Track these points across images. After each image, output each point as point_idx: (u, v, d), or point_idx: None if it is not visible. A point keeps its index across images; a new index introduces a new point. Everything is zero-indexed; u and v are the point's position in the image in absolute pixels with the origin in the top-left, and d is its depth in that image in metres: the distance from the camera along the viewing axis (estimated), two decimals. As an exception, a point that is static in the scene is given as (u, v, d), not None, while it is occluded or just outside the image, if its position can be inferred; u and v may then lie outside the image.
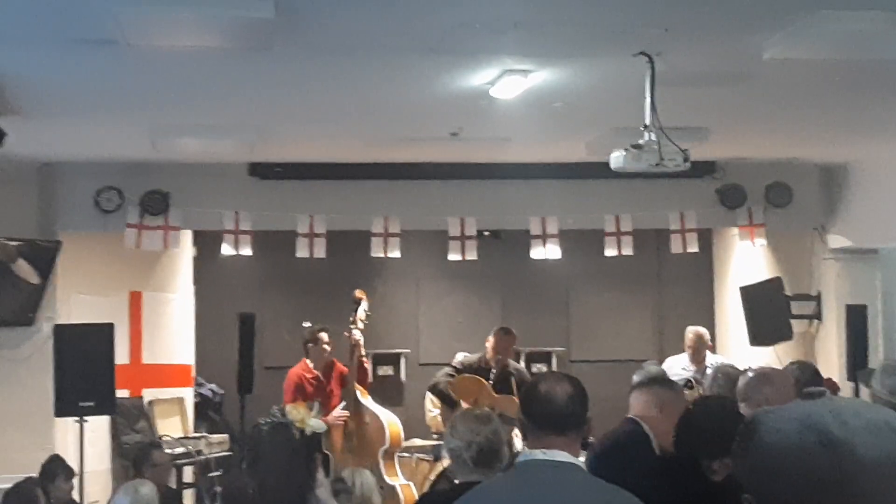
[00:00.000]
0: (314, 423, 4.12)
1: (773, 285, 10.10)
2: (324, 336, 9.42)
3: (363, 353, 9.42)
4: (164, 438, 9.55)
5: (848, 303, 9.67)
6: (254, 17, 5.01)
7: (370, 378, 9.79)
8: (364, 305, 9.45)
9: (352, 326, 9.33)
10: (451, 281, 11.91)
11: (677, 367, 9.50)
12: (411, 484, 9.24)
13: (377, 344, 11.80)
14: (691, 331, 9.94)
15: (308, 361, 9.38)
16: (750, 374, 4.99)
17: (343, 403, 9.28)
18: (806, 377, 5.90)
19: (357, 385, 9.30)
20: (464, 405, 9.09)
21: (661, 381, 4.39)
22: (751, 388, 4.72)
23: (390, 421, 9.29)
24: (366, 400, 9.36)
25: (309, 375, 9.36)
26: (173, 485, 9.30)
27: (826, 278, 10.54)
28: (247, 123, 8.05)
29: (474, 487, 3.66)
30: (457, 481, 4.51)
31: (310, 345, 9.40)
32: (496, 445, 4.43)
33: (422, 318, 12.14)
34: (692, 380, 8.71)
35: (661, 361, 9.99)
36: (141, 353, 10.29)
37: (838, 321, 10.00)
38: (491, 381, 9.20)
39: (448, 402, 9.10)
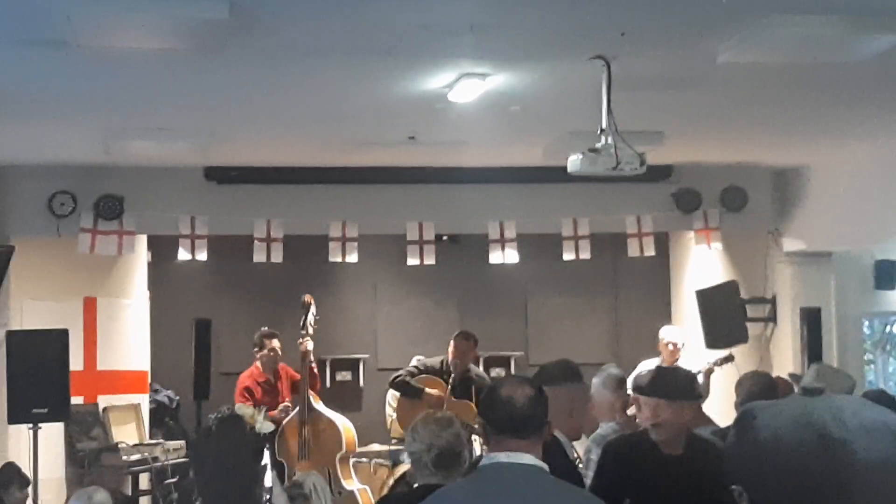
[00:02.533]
0: (262, 424, 4.09)
1: (728, 288, 10.16)
2: (273, 342, 9.44)
3: (312, 359, 9.42)
4: (120, 445, 9.46)
5: (802, 305, 9.75)
6: (207, 18, 4.96)
7: (319, 384, 9.77)
8: (313, 310, 9.46)
9: (303, 333, 9.34)
10: (409, 286, 11.89)
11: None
12: (367, 488, 9.24)
13: (335, 349, 11.77)
14: (664, 335, 9.89)
15: (258, 366, 9.42)
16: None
17: (296, 409, 9.30)
18: (756, 390, 5.87)
19: (310, 391, 9.31)
20: (428, 391, 9.11)
21: (564, 377, 4.33)
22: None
23: (345, 426, 9.31)
24: (319, 405, 9.36)
25: (259, 380, 9.39)
26: (129, 491, 9.24)
27: (781, 281, 10.62)
28: (201, 126, 7.99)
29: (437, 490, 3.65)
30: (416, 485, 4.50)
31: (259, 350, 9.43)
32: (457, 449, 4.42)
33: (380, 322, 12.11)
34: None
35: (618, 364, 9.98)
36: (95, 360, 10.17)
37: (793, 324, 10.09)
38: (451, 386, 9.20)
39: (409, 394, 9.08)
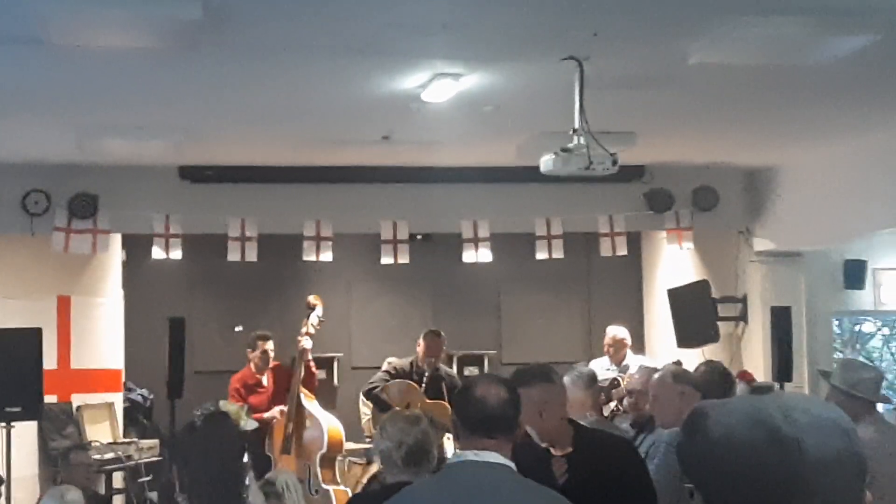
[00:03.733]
0: (246, 421, 4.11)
1: (699, 288, 10.23)
2: (267, 344, 9.55)
3: (310, 358, 9.47)
4: (94, 444, 9.45)
5: (773, 305, 9.82)
6: (181, 17, 4.98)
7: (317, 383, 9.81)
8: (318, 311, 9.52)
9: (303, 331, 9.42)
10: (382, 284, 11.90)
11: (601, 368, 9.57)
12: (349, 490, 9.24)
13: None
14: (609, 333, 10.04)
15: (251, 367, 9.53)
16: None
17: (280, 407, 9.36)
18: (713, 378, 5.97)
19: (303, 388, 9.37)
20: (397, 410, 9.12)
21: (543, 375, 4.34)
22: None
23: (331, 426, 9.34)
24: (310, 404, 9.41)
25: (251, 381, 9.49)
26: (102, 490, 9.23)
27: (752, 281, 10.70)
28: (175, 125, 7.99)
29: (405, 487, 3.68)
30: (387, 482, 4.53)
31: (252, 351, 9.55)
32: (426, 446, 4.46)
33: (354, 321, 12.11)
34: (617, 378, 8.85)
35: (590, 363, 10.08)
36: (69, 358, 10.14)
37: (763, 323, 10.16)
38: (423, 386, 9.23)
39: (381, 407, 9.12)
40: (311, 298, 9.65)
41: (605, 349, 9.98)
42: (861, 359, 9.72)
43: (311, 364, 9.54)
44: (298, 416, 9.29)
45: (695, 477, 1.61)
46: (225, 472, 3.78)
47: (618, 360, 9.76)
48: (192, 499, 3.87)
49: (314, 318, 9.51)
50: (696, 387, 5.38)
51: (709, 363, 6.76)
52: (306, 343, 9.41)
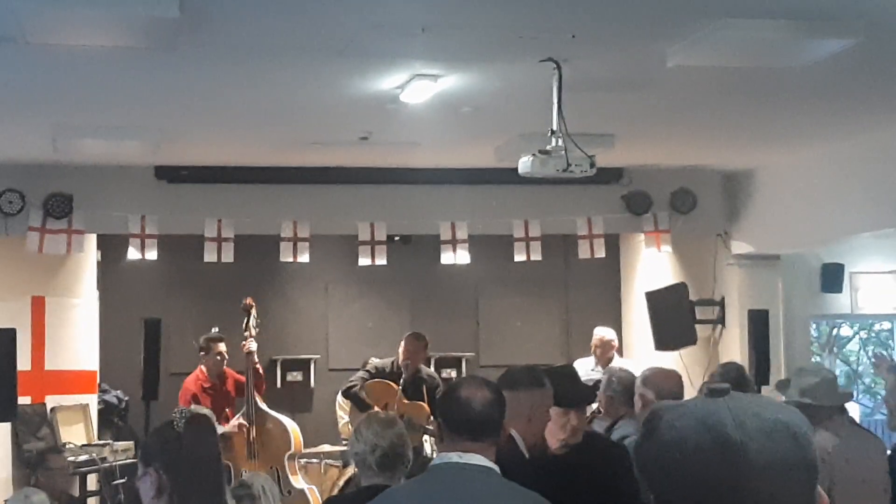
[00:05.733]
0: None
1: (677, 290, 10.24)
2: (220, 346, 9.44)
3: (257, 360, 9.43)
4: (68, 446, 9.38)
5: (750, 308, 9.85)
6: (158, 16, 4.93)
7: (265, 386, 9.77)
8: (254, 312, 9.52)
9: (246, 335, 9.38)
10: (360, 286, 11.87)
11: (585, 368, 9.58)
12: (315, 488, 9.27)
13: (286, 349, 11.74)
14: (597, 334, 10.07)
15: (202, 370, 9.41)
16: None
17: (241, 412, 9.31)
18: (729, 379, 5.97)
19: (255, 393, 9.32)
20: (376, 410, 9.12)
21: (531, 379, 4.32)
22: None
23: (292, 426, 9.33)
24: (264, 406, 9.37)
25: (205, 385, 9.39)
26: (76, 493, 9.16)
27: (729, 284, 10.72)
28: (151, 125, 7.94)
29: (386, 490, 3.66)
30: (362, 485, 4.51)
31: (203, 353, 9.43)
32: (400, 449, 4.45)
33: (331, 323, 12.08)
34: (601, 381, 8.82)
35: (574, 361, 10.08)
36: (44, 359, 10.07)
37: (741, 326, 10.18)
38: (401, 387, 9.22)
39: (360, 406, 9.10)
40: (247, 300, 9.62)
41: (593, 349, 9.99)
42: (816, 360, 9.75)
43: (259, 367, 9.50)
44: (259, 420, 9.25)
45: (647, 478, 1.61)
46: (210, 475, 3.75)
47: (604, 362, 9.75)
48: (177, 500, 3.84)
49: (252, 320, 9.48)
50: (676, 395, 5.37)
51: (724, 366, 6.78)
52: (253, 346, 9.38)
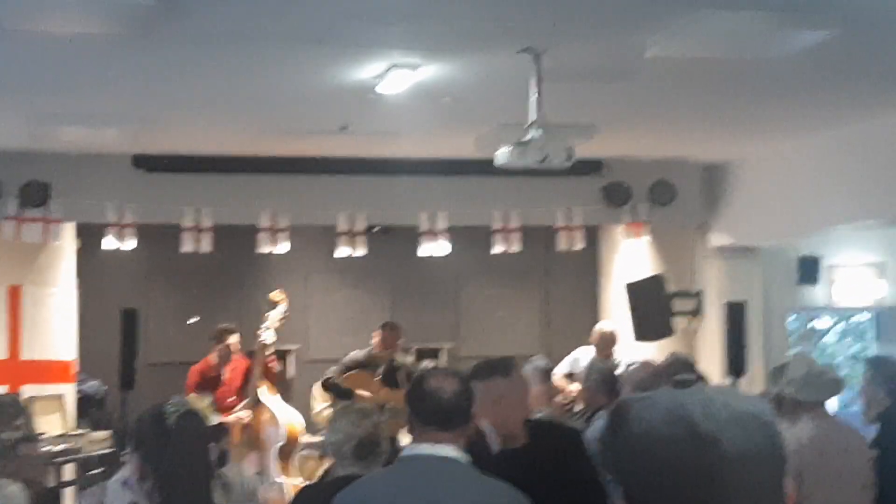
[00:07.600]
0: (210, 417, 4.08)
1: (656, 282, 10.27)
2: (232, 338, 9.44)
3: (269, 353, 9.42)
4: (44, 436, 9.32)
5: (728, 300, 9.87)
6: (134, 2, 4.91)
7: (276, 379, 9.73)
8: (281, 308, 9.46)
9: (265, 326, 9.37)
10: (340, 277, 11.85)
11: (587, 358, 9.48)
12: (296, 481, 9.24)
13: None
14: (596, 328, 10.00)
15: (211, 358, 9.42)
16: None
17: (245, 401, 9.30)
18: (676, 368, 5.99)
19: (264, 382, 9.31)
20: (360, 393, 9.13)
21: (501, 370, 4.31)
22: None
23: (290, 420, 9.30)
24: (270, 397, 9.36)
25: (211, 374, 9.39)
26: (52, 483, 9.11)
27: (708, 276, 10.75)
28: (129, 112, 7.90)
29: (358, 479, 3.66)
30: (338, 474, 4.51)
31: (217, 343, 9.46)
32: (376, 439, 4.45)
33: (311, 313, 12.04)
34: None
35: (548, 355, 10.04)
36: (20, 349, 10.01)
37: (719, 318, 10.20)
38: (379, 377, 9.23)
39: (341, 395, 9.10)
40: (275, 294, 9.60)
41: (596, 343, 9.88)
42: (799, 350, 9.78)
43: (270, 360, 9.46)
44: (257, 409, 9.25)
45: (616, 471, 1.60)
46: (195, 467, 3.76)
47: (605, 355, 9.67)
48: (159, 492, 3.83)
49: (276, 314, 9.44)
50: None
51: (673, 355, 6.78)
52: (266, 337, 9.34)
